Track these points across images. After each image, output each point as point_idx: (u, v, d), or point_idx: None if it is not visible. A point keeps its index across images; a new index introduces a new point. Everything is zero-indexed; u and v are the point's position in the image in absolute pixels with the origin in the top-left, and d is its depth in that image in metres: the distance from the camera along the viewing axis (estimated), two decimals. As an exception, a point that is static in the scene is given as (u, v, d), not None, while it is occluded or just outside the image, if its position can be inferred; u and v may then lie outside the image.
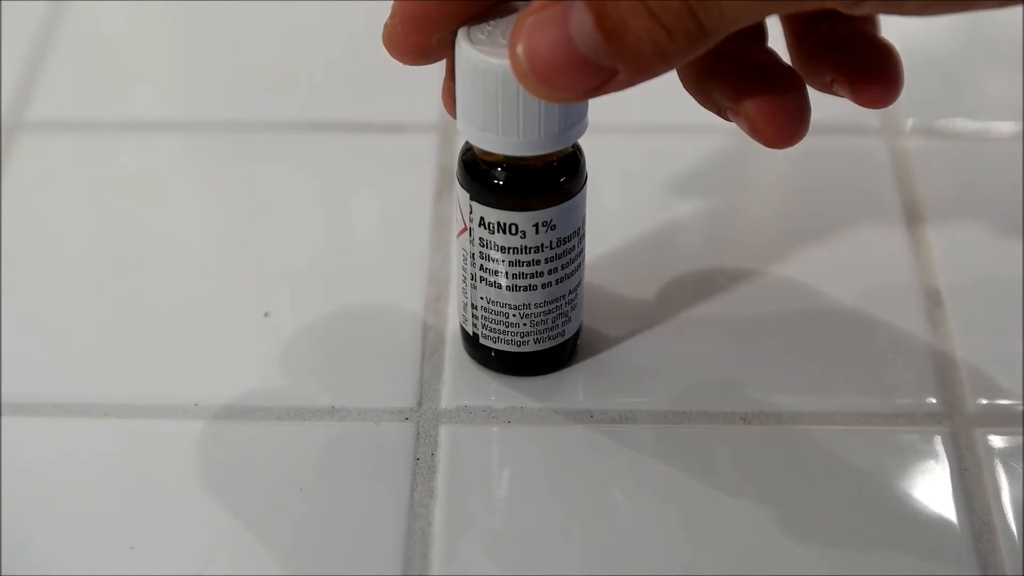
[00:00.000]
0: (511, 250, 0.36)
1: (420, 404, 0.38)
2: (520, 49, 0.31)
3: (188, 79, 0.51)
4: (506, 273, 0.36)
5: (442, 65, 0.34)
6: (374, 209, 0.46)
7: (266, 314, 0.41)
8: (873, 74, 0.35)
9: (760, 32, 0.36)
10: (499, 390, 0.38)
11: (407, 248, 0.43)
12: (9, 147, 0.46)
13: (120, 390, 0.39)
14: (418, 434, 0.37)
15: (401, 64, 0.36)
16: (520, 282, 0.37)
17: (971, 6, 0.31)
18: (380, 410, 0.38)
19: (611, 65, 0.31)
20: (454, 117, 0.36)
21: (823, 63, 0.35)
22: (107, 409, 0.38)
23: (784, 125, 0.34)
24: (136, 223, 0.44)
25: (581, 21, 0.30)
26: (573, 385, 0.39)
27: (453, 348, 0.39)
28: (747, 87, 0.34)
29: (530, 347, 0.38)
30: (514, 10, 0.34)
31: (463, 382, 0.39)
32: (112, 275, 0.42)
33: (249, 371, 0.39)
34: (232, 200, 0.46)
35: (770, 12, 0.31)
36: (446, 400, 0.38)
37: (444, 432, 0.37)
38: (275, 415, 0.38)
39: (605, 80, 0.31)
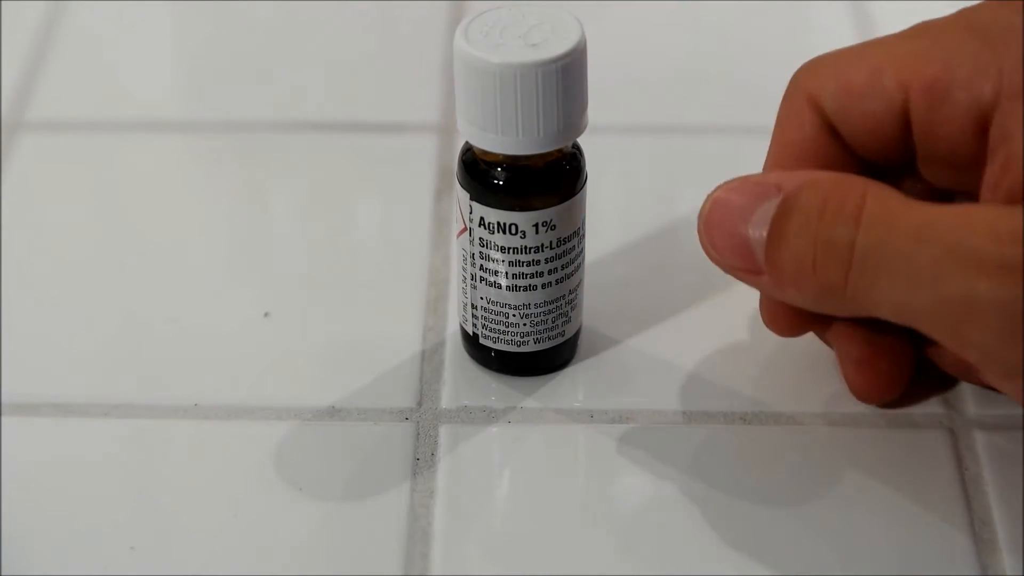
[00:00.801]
0: (511, 250, 0.36)
1: (420, 404, 0.38)
2: (708, 201, 0.34)
3: (188, 79, 0.51)
4: (506, 273, 0.36)
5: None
6: (374, 209, 0.46)
7: (266, 314, 0.41)
8: (877, 364, 0.36)
9: None
10: (499, 390, 0.38)
11: (407, 248, 0.43)
12: (9, 147, 0.46)
13: (120, 390, 0.39)
14: (418, 434, 0.37)
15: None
16: (520, 282, 0.37)
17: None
18: (380, 410, 0.38)
19: (761, 262, 0.33)
20: (781, 332, 0.37)
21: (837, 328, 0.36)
22: (107, 409, 0.38)
23: (877, 390, 0.37)
24: (136, 223, 0.44)
25: (763, 215, 0.32)
26: (573, 385, 0.39)
27: (453, 348, 0.39)
28: (859, 341, 0.36)
29: (530, 347, 0.38)
30: (512, 9, 0.34)
31: (463, 382, 0.39)
32: (112, 275, 0.42)
33: (249, 371, 0.39)
34: (232, 200, 0.46)
35: (914, 326, 0.31)
36: (446, 400, 0.38)
37: (444, 432, 0.37)
38: (275, 415, 0.38)
39: (752, 271, 0.33)
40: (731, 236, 0.33)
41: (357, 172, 0.46)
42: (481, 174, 0.36)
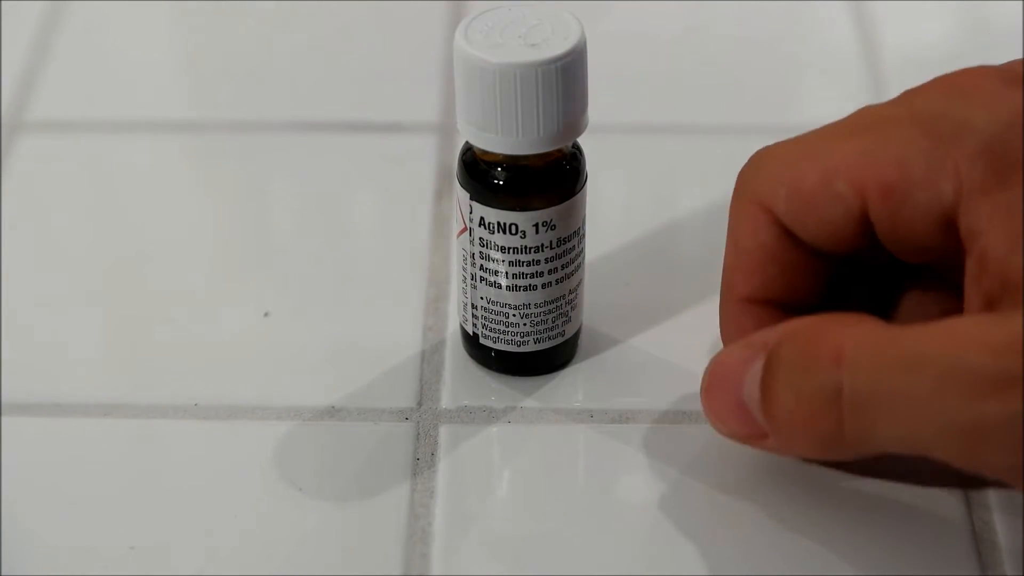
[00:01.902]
0: (511, 250, 0.36)
1: (420, 404, 0.38)
2: (705, 375, 0.34)
3: (188, 79, 0.51)
4: (506, 273, 0.36)
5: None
6: (374, 209, 0.46)
7: (266, 314, 0.41)
8: None
9: None
10: (499, 390, 0.38)
11: (407, 248, 0.43)
12: (9, 147, 0.46)
13: (120, 390, 0.39)
14: (418, 434, 0.37)
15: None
16: (520, 282, 0.37)
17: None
18: (380, 410, 0.38)
19: (763, 426, 0.32)
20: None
21: None
22: (107, 409, 0.38)
23: None
24: (136, 223, 0.44)
25: (754, 376, 0.32)
26: (573, 385, 0.39)
27: (453, 348, 0.39)
28: None
29: (530, 347, 0.38)
30: (512, 9, 0.34)
31: (463, 382, 0.39)
32: (112, 275, 0.42)
33: (249, 371, 0.39)
34: (232, 200, 0.46)
35: (926, 455, 0.30)
36: (446, 400, 0.38)
37: (444, 432, 0.37)
38: (275, 415, 0.38)
39: (757, 435, 0.32)
40: (729, 404, 0.33)
41: (357, 172, 0.46)
42: (481, 174, 0.36)
